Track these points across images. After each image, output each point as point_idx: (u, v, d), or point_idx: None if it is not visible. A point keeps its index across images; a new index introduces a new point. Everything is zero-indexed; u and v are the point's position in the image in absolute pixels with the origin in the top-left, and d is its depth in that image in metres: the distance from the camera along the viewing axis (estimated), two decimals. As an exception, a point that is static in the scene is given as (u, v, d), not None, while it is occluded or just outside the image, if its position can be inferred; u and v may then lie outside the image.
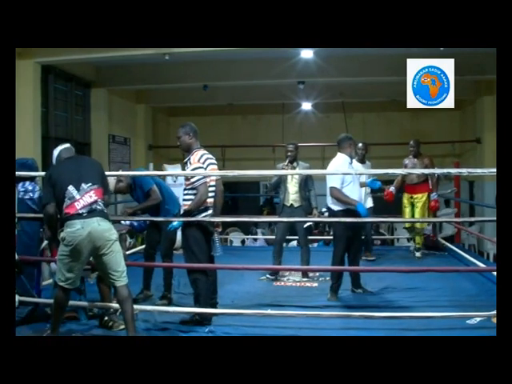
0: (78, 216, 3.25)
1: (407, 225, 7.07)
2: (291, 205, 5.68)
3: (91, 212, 3.28)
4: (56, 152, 3.71)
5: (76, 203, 3.27)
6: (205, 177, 3.93)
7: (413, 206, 6.70)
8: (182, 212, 4.15)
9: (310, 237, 8.24)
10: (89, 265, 3.61)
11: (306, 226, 5.63)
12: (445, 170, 5.03)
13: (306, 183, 5.67)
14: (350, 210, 4.58)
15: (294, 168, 5.66)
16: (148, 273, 4.87)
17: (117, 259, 3.36)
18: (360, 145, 6.50)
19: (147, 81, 8.58)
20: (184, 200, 4.08)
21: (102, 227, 3.28)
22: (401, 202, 6.91)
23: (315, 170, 5.93)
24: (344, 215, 4.56)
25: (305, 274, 5.74)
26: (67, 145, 3.78)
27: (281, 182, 5.71)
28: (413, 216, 6.69)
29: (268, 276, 5.72)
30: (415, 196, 6.69)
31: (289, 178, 5.65)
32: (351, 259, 4.90)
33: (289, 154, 5.66)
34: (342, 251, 4.77)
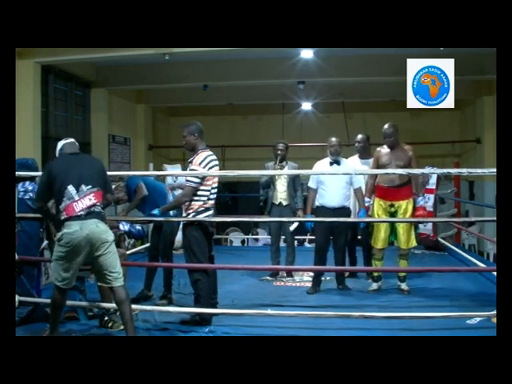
0: (77, 218, 3.26)
1: (380, 244, 4.98)
2: (280, 203, 5.74)
3: (89, 214, 3.29)
4: (59, 145, 3.67)
5: (74, 204, 3.27)
6: (197, 182, 3.91)
7: (392, 217, 4.96)
8: (184, 213, 4.15)
9: (308, 237, 8.31)
10: (88, 265, 3.61)
11: (292, 229, 5.69)
12: (445, 170, 5.02)
13: (293, 183, 5.71)
14: (325, 206, 5.07)
15: (283, 167, 5.71)
16: (150, 273, 4.87)
17: (113, 260, 3.37)
18: (359, 137, 5.78)
19: (147, 81, 8.57)
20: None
21: (99, 229, 3.29)
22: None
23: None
24: (318, 210, 5.11)
25: (289, 273, 5.83)
26: (71, 139, 3.73)
27: (271, 180, 5.75)
28: (392, 232, 5.01)
29: (268, 277, 5.74)
30: (397, 204, 4.91)
31: (277, 176, 5.71)
32: (335, 251, 5.20)
33: (279, 152, 5.70)
34: (319, 243, 5.15)
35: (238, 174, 3.81)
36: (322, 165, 5.21)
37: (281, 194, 5.74)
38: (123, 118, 9.47)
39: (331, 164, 5.16)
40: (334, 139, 5.17)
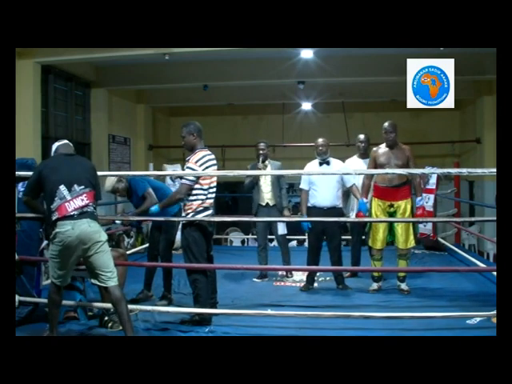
0: (69, 217, 3.26)
1: (378, 245, 4.98)
2: (267, 204, 5.72)
3: (82, 214, 3.29)
4: (53, 147, 3.70)
5: (66, 204, 3.27)
6: (192, 180, 3.91)
7: (391, 217, 4.92)
8: (183, 213, 4.15)
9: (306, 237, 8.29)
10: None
11: (281, 232, 5.68)
12: (445, 170, 5.00)
13: (278, 182, 5.67)
14: (317, 206, 5.09)
15: (266, 166, 5.70)
16: (150, 273, 4.86)
17: (105, 260, 3.37)
18: (362, 136, 5.89)
19: (147, 81, 8.58)
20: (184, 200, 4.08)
21: (91, 229, 3.29)
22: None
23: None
24: (310, 211, 5.13)
25: (288, 273, 5.84)
26: (65, 141, 3.75)
27: (255, 182, 5.72)
28: (390, 232, 4.99)
29: (255, 279, 5.72)
30: (396, 204, 4.88)
31: (262, 177, 5.68)
32: (330, 252, 5.21)
33: (260, 152, 5.70)
34: (312, 242, 5.23)
35: (237, 173, 3.81)
36: (312, 166, 5.22)
37: (266, 194, 5.70)
38: (123, 117, 9.47)
39: (320, 164, 5.17)
40: (320, 140, 5.18)
